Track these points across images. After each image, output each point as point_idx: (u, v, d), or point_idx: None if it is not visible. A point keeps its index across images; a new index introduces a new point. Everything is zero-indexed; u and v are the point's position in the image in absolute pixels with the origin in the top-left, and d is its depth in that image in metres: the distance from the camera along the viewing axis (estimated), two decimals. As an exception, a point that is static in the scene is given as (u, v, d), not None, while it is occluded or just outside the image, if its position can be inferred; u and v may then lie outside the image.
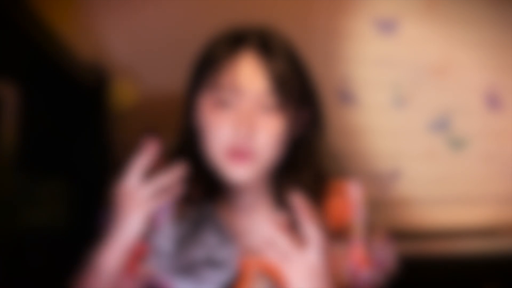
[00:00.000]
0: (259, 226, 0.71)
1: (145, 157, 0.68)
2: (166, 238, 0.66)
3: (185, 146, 0.74)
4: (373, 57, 1.17)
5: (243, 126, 0.65)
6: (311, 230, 0.62)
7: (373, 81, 1.17)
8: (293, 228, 0.63)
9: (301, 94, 0.70)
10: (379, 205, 1.16)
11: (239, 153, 0.66)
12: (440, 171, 1.19)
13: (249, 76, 0.66)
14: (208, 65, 0.69)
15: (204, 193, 0.72)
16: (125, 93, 1.08)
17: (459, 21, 1.18)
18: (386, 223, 0.83)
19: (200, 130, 0.71)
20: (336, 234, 0.71)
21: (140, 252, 0.70)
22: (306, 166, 0.73)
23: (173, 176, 0.68)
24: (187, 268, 0.66)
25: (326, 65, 1.14)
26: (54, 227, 0.89)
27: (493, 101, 1.20)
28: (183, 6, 1.10)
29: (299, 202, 0.63)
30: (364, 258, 0.70)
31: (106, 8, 1.08)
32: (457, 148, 1.20)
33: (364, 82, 1.17)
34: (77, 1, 1.07)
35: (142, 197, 0.66)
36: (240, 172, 0.67)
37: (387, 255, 0.75)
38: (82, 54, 0.99)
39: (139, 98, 1.08)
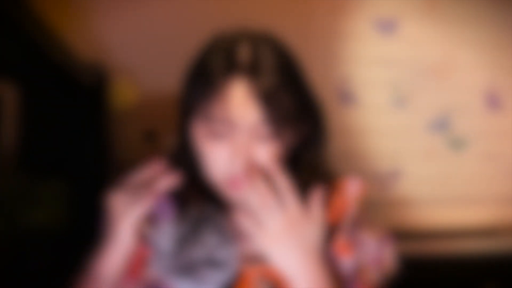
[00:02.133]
0: None
1: (143, 174, 0.68)
2: (166, 238, 0.66)
3: (183, 156, 0.73)
4: (373, 57, 1.17)
5: (238, 159, 0.64)
6: (283, 183, 0.64)
7: (373, 81, 1.17)
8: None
9: (298, 109, 0.67)
10: (379, 205, 1.17)
11: (237, 182, 0.65)
12: (440, 171, 1.19)
13: (241, 107, 0.63)
14: (198, 97, 0.66)
15: (203, 196, 0.72)
16: (125, 93, 1.08)
17: (459, 21, 1.18)
18: (386, 223, 0.83)
19: (197, 155, 0.69)
20: (331, 230, 0.71)
21: (143, 256, 0.70)
22: (308, 170, 0.72)
23: (152, 172, 0.68)
24: (187, 268, 0.66)
25: (326, 65, 1.14)
26: (54, 227, 0.89)
27: (493, 101, 1.20)
28: (183, 6, 1.10)
29: None
30: (346, 244, 0.70)
31: (106, 8, 1.08)
32: (457, 148, 1.20)
33: (364, 82, 1.17)
34: (77, 1, 1.07)
35: (125, 203, 0.66)
36: (239, 193, 0.67)
37: (382, 252, 0.74)
38: (82, 54, 0.99)
39: (139, 98, 1.09)
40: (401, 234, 0.81)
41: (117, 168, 0.97)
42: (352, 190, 0.73)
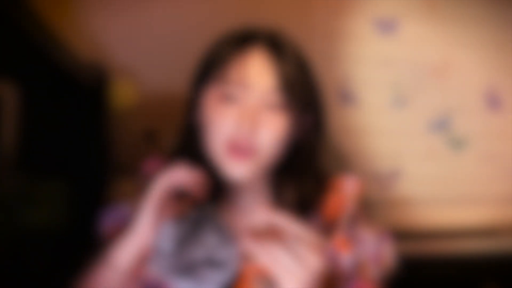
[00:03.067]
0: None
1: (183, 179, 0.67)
2: (166, 238, 0.66)
3: (186, 144, 0.74)
4: (373, 57, 1.17)
5: (247, 121, 0.65)
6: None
7: (373, 81, 1.17)
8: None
9: (306, 98, 0.70)
10: (379, 205, 1.17)
11: (240, 149, 0.66)
12: (440, 171, 1.19)
13: (257, 73, 0.66)
14: (216, 60, 0.69)
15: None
16: (125, 93, 1.08)
17: (459, 21, 1.18)
18: (386, 223, 0.83)
19: (202, 127, 0.71)
20: (327, 227, 0.71)
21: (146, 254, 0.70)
22: (307, 168, 0.73)
23: (192, 182, 0.67)
24: (187, 268, 0.66)
25: (326, 65, 1.14)
26: (54, 227, 0.89)
27: (493, 101, 1.20)
28: (183, 6, 1.10)
29: None
30: (344, 241, 0.70)
31: (106, 8, 1.08)
32: (457, 148, 1.20)
33: (364, 82, 1.17)
34: (77, 1, 1.07)
35: (165, 205, 0.66)
36: (239, 168, 0.67)
37: (382, 248, 0.74)
38: (82, 54, 0.99)
39: (139, 98, 1.09)
40: (401, 234, 0.81)
41: (117, 168, 0.97)
42: (349, 188, 0.74)
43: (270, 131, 0.66)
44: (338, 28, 1.15)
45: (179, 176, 0.66)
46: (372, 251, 0.72)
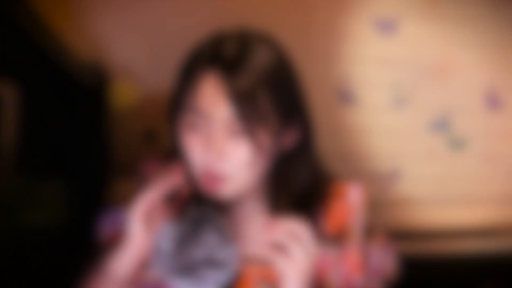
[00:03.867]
0: (257, 233, 0.70)
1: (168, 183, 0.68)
2: (166, 238, 0.66)
3: (179, 148, 0.74)
4: (373, 57, 1.17)
5: (211, 151, 0.64)
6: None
7: (373, 81, 1.17)
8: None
9: (281, 112, 0.66)
10: (379, 205, 1.16)
11: (211, 178, 0.65)
12: (440, 171, 1.19)
13: (213, 101, 0.64)
14: (182, 86, 0.68)
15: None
16: (125, 93, 1.07)
17: (459, 21, 1.18)
18: (386, 223, 0.83)
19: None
20: (334, 238, 0.71)
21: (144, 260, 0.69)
22: (301, 173, 0.72)
23: (174, 182, 0.68)
24: (187, 268, 0.66)
25: (326, 65, 1.14)
26: (54, 227, 0.89)
27: (493, 101, 1.20)
28: (183, 6, 1.10)
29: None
30: (358, 263, 0.70)
31: (106, 8, 1.08)
32: (457, 148, 1.20)
33: (364, 82, 1.17)
34: (77, 1, 1.07)
35: (154, 212, 0.67)
36: (218, 193, 0.67)
37: (386, 261, 0.74)
38: (82, 54, 0.99)
39: (139, 98, 1.08)
40: (401, 234, 0.81)
41: (117, 168, 0.97)
42: (354, 197, 0.73)
43: (237, 158, 0.65)
44: (338, 28, 1.15)
45: (167, 184, 0.67)
46: (379, 267, 0.72)
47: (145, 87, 1.09)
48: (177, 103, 0.69)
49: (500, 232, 1.18)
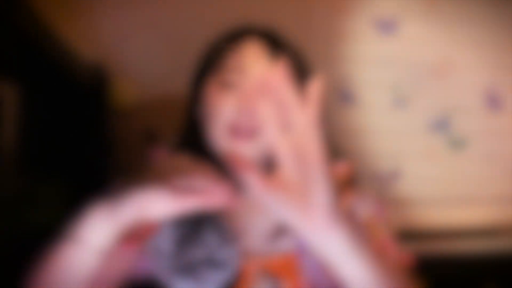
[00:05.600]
0: (259, 226, 0.71)
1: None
2: (166, 238, 0.66)
3: (189, 138, 0.75)
4: (373, 57, 1.17)
5: (246, 105, 0.67)
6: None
7: (373, 81, 1.17)
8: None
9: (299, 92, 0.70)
10: (379, 205, 1.17)
11: (243, 131, 0.67)
12: (440, 171, 1.19)
13: (253, 59, 0.69)
14: (215, 52, 0.72)
15: None
16: (125, 93, 1.08)
17: (459, 21, 1.18)
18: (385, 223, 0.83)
19: (204, 119, 0.71)
20: None
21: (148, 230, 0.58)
22: None
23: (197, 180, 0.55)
24: (187, 268, 0.66)
25: (326, 65, 1.14)
26: (54, 227, 0.89)
27: (493, 101, 1.20)
28: (183, 6, 1.10)
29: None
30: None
31: (106, 8, 1.08)
32: (457, 148, 1.20)
33: (364, 82, 1.17)
34: (77, 1, 1.07)
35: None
36: (244, 149, 0.67)
37: (385, 213, 0.78)
38: (82, 54, 0.99)
39: (139, 98, 1.09)
40: (401, 234, 0.81)
41: (117, 168, 0.97)
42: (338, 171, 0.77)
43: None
44: (338, 28, 1.15)
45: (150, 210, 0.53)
46: (372, 212, 0.74)
47: (145, 87, 1.09)
48: (206, 67, 0.73)
49: (500, 232, 1.18)
